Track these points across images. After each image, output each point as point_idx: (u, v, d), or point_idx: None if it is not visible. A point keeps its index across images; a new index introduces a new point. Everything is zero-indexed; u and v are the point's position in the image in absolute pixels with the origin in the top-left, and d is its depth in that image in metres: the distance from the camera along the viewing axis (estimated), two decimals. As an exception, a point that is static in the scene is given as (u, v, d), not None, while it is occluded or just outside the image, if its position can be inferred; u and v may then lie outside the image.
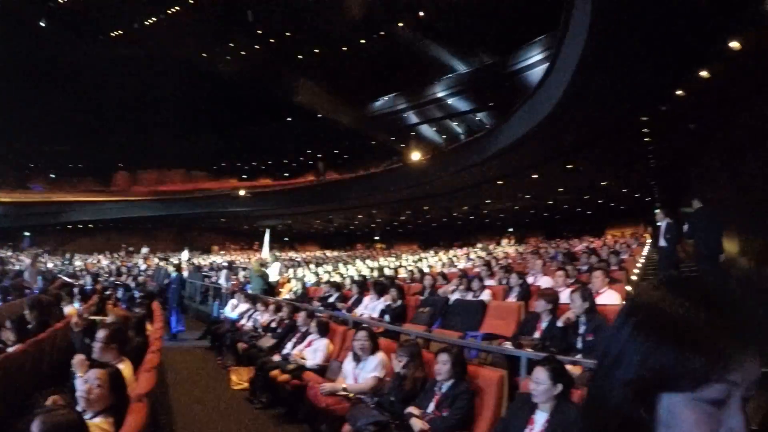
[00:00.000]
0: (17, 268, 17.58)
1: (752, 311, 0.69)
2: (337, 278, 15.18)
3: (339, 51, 32.27)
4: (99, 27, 32.36)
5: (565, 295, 5.94)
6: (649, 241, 18.37)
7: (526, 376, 3.87)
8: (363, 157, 39.60)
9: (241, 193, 36.01)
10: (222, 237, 44.81)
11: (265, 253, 16.98)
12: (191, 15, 30.30)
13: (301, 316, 7.37)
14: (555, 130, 15.05)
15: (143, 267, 22.01)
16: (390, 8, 27.38)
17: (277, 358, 6.72)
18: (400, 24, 28.90)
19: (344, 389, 4.95)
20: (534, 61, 25.87)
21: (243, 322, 9.91)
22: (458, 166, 22.38)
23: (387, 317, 7.67)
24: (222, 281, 15.84)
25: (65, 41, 32.31)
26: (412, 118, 35.93)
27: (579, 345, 4.88)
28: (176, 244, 38.62)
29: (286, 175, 45.06)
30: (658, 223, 9.85)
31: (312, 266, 21.17)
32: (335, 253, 33.69)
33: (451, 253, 23.84)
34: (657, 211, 10.74)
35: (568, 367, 3.77)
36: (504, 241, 31.02)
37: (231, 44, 33.30)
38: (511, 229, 36.64)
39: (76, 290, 9.55)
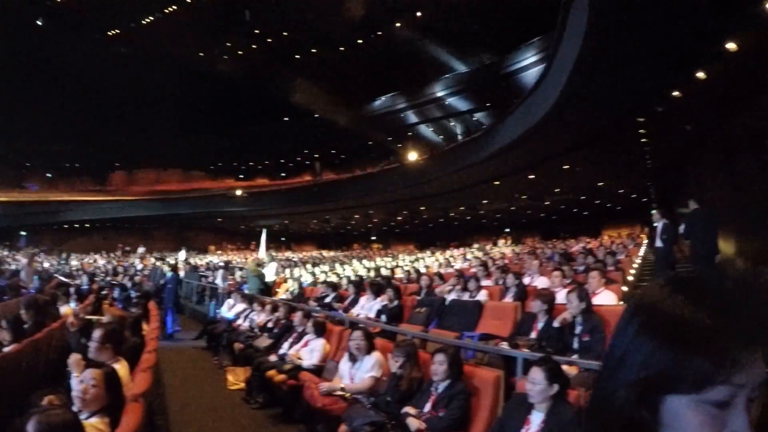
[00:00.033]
0: (14, 267, 17.55)
1: (756, 312, 0.68)
2: (333, 278, 15.19)
3: (336, 51, 32.30)
4: (96, 26, 32.30)
5: (561, 296, 5.95)
6: (645, 241, 18.40)
7: (523, 377, 3.89)
8: (360, 158, 39.63)
9: (238, 193, 36.00)
10: (219, 237, 44.75)
11: (262, 253, 16.98)
12: (189, 14, 30.26)
13: (297, 317, 7.37)
14: (552, 131, 15.06)
15: (140, 267, 22.00)
16: (387, 8, 27.40)
17: (273, 358, 6.71)
18: (398, 24, 28.93)
19: (342, 389, 4.96)
20: (529, 63, 25.99)
21: (239, 322, 9.90)
22: (455, 166, 22.38)
23: (383, 317, 7.66)
24: (219, 281, 15.81)
25: (62, 40, 32.22)
26: (411, 117, 35.97)
27: (575, 345, 4.88)
28: (173, 244, 38.58)
29: (283, 175, 45.05)
30: (655, 224, 9.86)
31: (309, 266, 21.17)
32: (332, 253, 33.68)
33: (448, 253, 23.85)
34: (653, 211, 10.76)
35: (564, 367, 3.78)
36: (501, 242, 31.04)
37: (228, 44, 33.30)
38: (507, 230, 36.71)
39: (72, 290, 9.51)
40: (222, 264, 21.94)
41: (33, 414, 2.28)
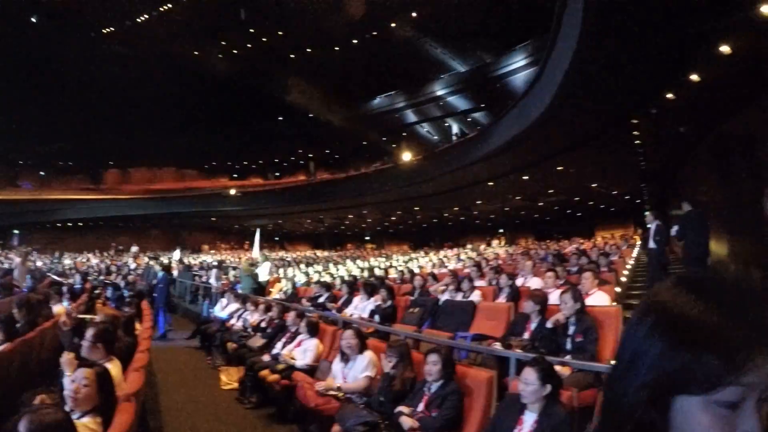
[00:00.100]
0: (6, 266, 17.48)
1: (766, 312, 0.67)
2: (327, 278, 15.21)
3: (332, 51, 32.27)
4: (91, 24, 32.14)
5: (554, 297, 5.96)
6: (638, 242, 18.47)
7: (515, 377, 3.89)
8: (354, 157, 39.62)
9: (232, 192, 35.98)
10: (212, 236, 44.70)
11: (256, 252, 16.95)
12: (184, 13, 30.17)
13: (290, 316, 7.36)
14: (546, 132, 15.10)
15: (133, 266, 21.92)
16: (384, 8, 27.39)
17: (266, 358, 6.70)
18: (393, 24, 28.93)
19: (339, 389, 4.96)
20: (518, 66, 26.14)
21: (233, 321, 9.88)
22: (449, 167, 22.43)
23: (377, 317, 7.66)
24: (212, 280, 15.80)
25: (57, 38, 32.03)
26: (410, 116, 36.02)
27: (568, 346, 4.90)
28: (166, 243, 38.51)
29: (277, 174, 45.00)
30: (648, 225, 9.90)
31: (302, 266, 21.18)
32: (325, 253, 33.70)
33: (442, 253, 23.92)
34: (647, 213, 10.79)
35: (557, 368, 3.80)
36: (494, 242, 31.19)
37: (223, 43, 33.19)
38: (501, 230, 36.78)
39: (65, 289, 9.47)
40: (215, 263, 21.92)
41: (25, 413, 2.28)
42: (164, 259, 22.26)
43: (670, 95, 11.46)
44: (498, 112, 19.65)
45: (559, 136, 15.67)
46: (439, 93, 32.34)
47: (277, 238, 45.81)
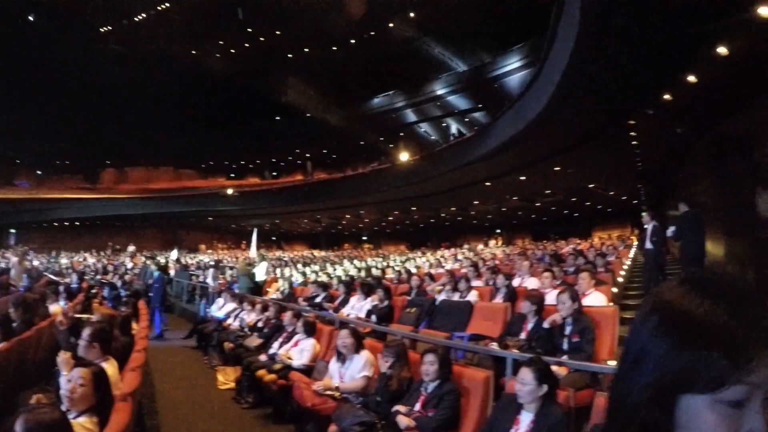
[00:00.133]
0: (3, 265, 17.46)
1: None
2: (324, 278, 15.19)
3: (329, 51, 32.25)
4: (88, 23, 32.09)
5: (551, 297, 5.97)
6: (635, 243, 18.48)
7: (512, 377, 3.90)
8: (352, 157, 39.59)
9: (229, 191, 35.91)
10: (209, 236, 44.64)
11: (253, 252, 16.95)
12: (181, 12, 30.17)
13: (287, 316, 7.36)
14: (543, 133, 15.10)
15: (130, 265, 21.90)
16: (382, 8, 27.39)
17: (263, 357, 6.70)
18: (391, 24, 28.94)
19: (337, 388, 4.96)
20: (513, 68, 26.20)
21: (230, 321, 9.86)
22: (447, 167, 22.42)
23: (374, 317, 7.68)
24: (209, 280, 15.77)
25: (54, 37, 31.97)
26: (409, 116, 36.02)
27: (565, 346, 4.90)
28: (164, 243, 38.46)
29: (275, 174, 44.94)
30: (645, 226, 9.91)
31: (299, 266, 21.15)
32: (323, 253, 33.67)
33: (439, 253, 23.91)
34: (644, 213, 10.80)
35: (554, 368, 3.80)
36: (491, 242, 31.24)
37: (221, 42, 33.20)
38: (498, 231, 36.83)
39: (61, 288, 9.46)
40: (212, 263, 21.89)
41: (21, 413, 2.28)
42: (161, 259, 22.21)
43: (667, 96, 11.47)
44: (496, 112, 19.64)
45: (557, 137, 15.69)
46: (438, 93, 32.37)
47: (274, 238, 45.75)
